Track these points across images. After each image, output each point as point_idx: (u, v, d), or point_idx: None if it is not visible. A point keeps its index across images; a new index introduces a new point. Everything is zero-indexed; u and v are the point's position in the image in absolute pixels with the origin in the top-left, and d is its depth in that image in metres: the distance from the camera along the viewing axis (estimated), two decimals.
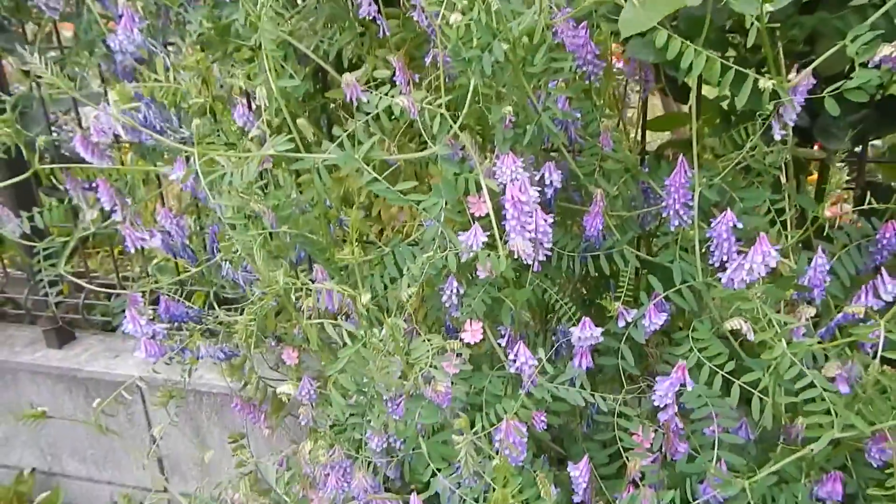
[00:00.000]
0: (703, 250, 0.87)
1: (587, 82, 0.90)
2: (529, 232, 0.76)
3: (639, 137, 1.15)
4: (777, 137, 0.83)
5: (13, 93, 1.49)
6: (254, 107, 0.96)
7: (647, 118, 1.13)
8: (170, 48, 1.14)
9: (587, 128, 0.93)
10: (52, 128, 1.52)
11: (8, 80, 1.53)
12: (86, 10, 1.10)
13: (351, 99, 0.86)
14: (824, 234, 0.91)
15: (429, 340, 0.75)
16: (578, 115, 0.90)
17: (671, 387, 0.76)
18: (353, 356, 0.73)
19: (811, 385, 0.73)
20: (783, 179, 0.91)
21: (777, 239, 0.91)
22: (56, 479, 1.78)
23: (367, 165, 0.80)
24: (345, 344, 0.74)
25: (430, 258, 0.77)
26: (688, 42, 0.74)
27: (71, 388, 1.63)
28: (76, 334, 1.75)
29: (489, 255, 0.79)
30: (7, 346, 1.75)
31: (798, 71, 0.86)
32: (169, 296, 0.99)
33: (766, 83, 0.73)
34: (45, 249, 1.05)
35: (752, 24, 0.71)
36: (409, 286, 0.77)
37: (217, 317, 0.97)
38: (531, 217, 0.76)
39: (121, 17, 1.04)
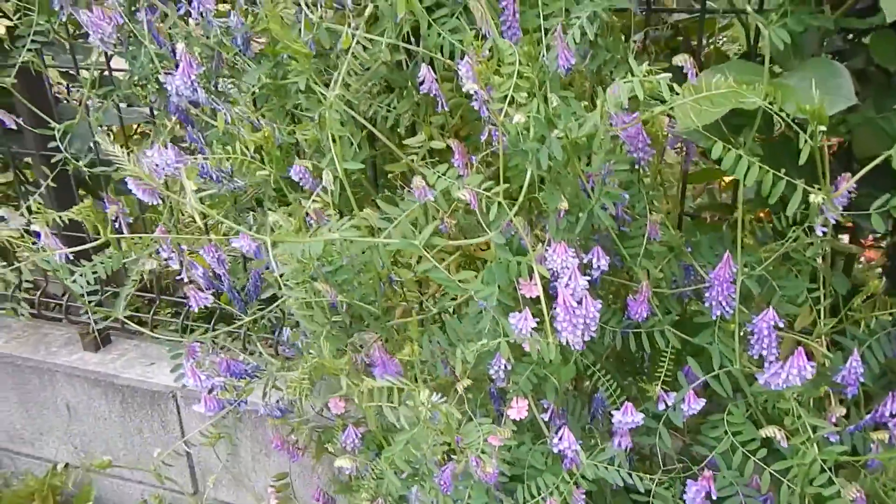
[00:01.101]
0: (742, 333, 0.91)
1: (636, 167, 0.93)
2: (580, 329, 0.80)
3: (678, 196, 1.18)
4: (819, 234, 0.86)
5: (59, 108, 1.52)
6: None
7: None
8: (220, 86, 1.17)
9: (634, 207, 0.96)
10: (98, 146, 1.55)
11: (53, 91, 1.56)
12: (143, 50, 1.13)
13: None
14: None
15: (480, 424, 0.79)
16: (627, 197, 0.93)
17: (698, 493, 0.81)
18: (409, 438, 0.78)
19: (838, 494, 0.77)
20: (820, 266, 0.94)
21: (812, 326, 0.95)
22: (88, 475, 1.84)
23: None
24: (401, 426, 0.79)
25: (484, 346, 0.81)
26: (741, 153, 0.77)
27: (107, 393, 1.69)
28: (112, 337, 1.80)
29: (538, 341, 0.83)
30: (44, 345, 1.81)
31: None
32: (228, 351, 1.03)
33: (816, 198, 0.76)
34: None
35: (805, 142, 0.74)
36: (462, 369, 0.81)
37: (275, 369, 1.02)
38: (582, 316, 0.80)
39: (178, 62, 1.07)
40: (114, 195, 1.60)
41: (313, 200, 0.91)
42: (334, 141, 0.85)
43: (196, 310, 0.98)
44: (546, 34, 0.91)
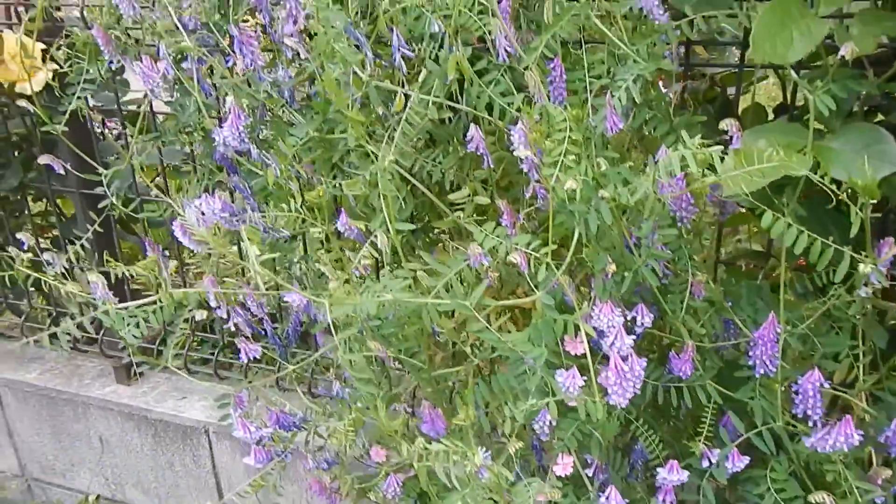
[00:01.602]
0: (784, 388, 0.92)
1: (679, 225, 0.94)
2: (628, 391, 0.81)
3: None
4: (862, 295, 0.87)
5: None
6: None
7: None
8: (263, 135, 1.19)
9: (676, 263, 0.97)
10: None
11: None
12: (191, 100, 1.15)
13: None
14: None
15: (528, 484, 0.80)
16: (670, 254, 0.95)
17: None
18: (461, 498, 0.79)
19: None
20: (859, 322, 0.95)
21: (852, 378, 0.95)
22: None
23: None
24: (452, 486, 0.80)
25: (534, 406, 0.83)
26: (789, 221, 0.78)
27: (140, 427, 1.71)
28: (143, 371, 1.82)
29: (586, 401, 0.84)
30: (77, 377, 1.83)
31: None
32: (276, 406, 1.04)
33: (864, 268, 0.77)
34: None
35: (857, 214, 0.76)
36: (511, 428, 0.83)
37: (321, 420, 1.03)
38: (631, 378, 0.81)
39: (227, 114, 1.10)
40: (144, 230, 1.64)
41: (363, 256, 0.93)
42: (387, 203, 0.87)
43: (246, 360, 0.99)
44: (591, 94, 0.93)
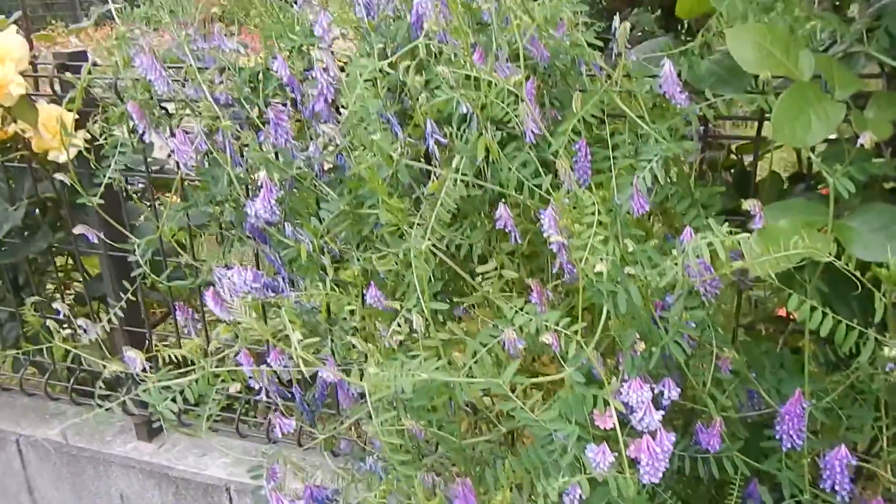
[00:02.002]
0: (810, 459, 0.94)
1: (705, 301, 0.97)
2: (660, 469, 0.83)
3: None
4: (888, 370, 0.89)
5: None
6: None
7: None
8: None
9: (701, 335, 0.99)
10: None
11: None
12: (225, 175, 1.19)
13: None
14: None
15: None
16: (693, 326, 0.97)
17: None
18: None
19: None
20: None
21: (879, 451, 0.97)
22: None
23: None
24: None
25: (566, 482, 0.84)
26: (814, 304, 0.81)
27: (161, 485, 1.72)
28: (163, 427, 1.83)
29: (616, 477, 0.86)
30: (98, 434, 1.85)
31: None
32: (302, 472, 1.06)
33: (890, 352, 0.79)
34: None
35: (880, 300, 0.78)
36: None
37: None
38: (661, 455, 0.83)
39: (260, 188, 1.13)
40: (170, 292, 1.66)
41: (395, 331, 0.95)
42: (421, 283, 0.90)
43: (280, 434, 1.01)
44: (615, 173, 0.97)
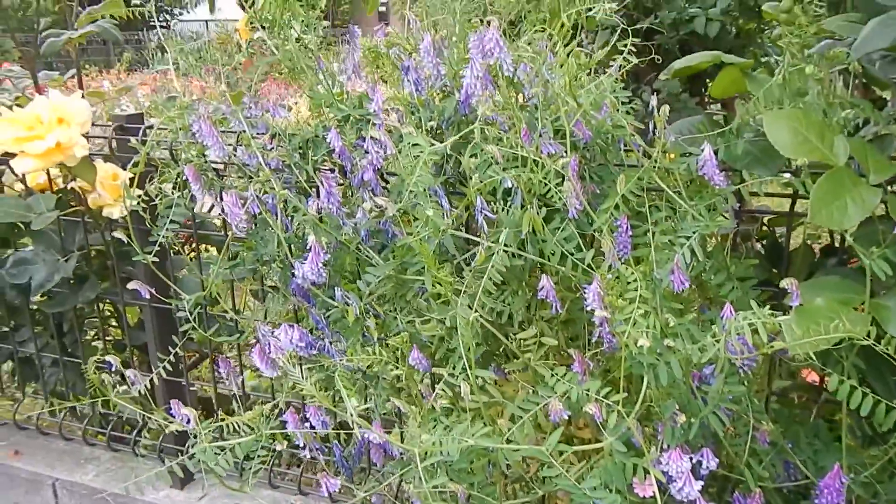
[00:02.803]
0: None
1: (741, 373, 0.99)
2: None
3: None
4: None
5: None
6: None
7: None
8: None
9: (738, 403, 1.02)
10: None
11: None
12: (275, 237, 1.24)
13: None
14: None
15: None
16: (730, 398, 1.00)
17: None
18: None
19: None
20: None
21: None
22: None
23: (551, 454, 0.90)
24: None
25: None
26: (853, 384, 0.84)
27: None
28: (195, 475, 1.86)
29: None
30: (132, 479, 1.87)
31: None
32: None
33: None
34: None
35: None
36: None
37: None
38: None
39: (309, 251, 1.18)
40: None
41: (438, 395, 0.99)
42: (468, 352, 0.93)
43: (327, 493, 1.04)
44: (654, 248, 1.00)
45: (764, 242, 1.26)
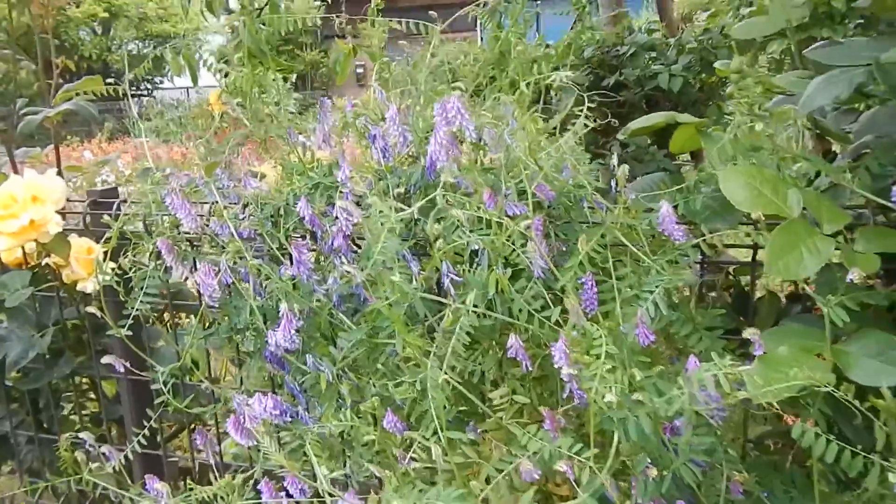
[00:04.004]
0: None
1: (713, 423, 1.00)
2: None
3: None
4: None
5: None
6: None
7: None
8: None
9: (711, 455, 1.02)
10: None
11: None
12: (247, 306, 1.25)
13: None
14: None
15: None
16: (703, 449, 1.00)
17: None
18: None
19: None
20: None
21: None
22: None
23: None
24: None
25: None
26: (819, 432, 0.85)
27: None
28: None
29: None
30: None
31: None
32: None
33: (893, 478, 0.82)
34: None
35: (880, 429, 0.82)
36: None
37: None
38: None
39: (281, 318, 1.19)
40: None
41: (412, 458, 0.98)
42: (438, 414, 0.94)
43: None
44: (619, 304, 1.02)
45: (731, 291, 1.28)
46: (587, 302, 1.02)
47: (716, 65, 1.17)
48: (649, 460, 0.94)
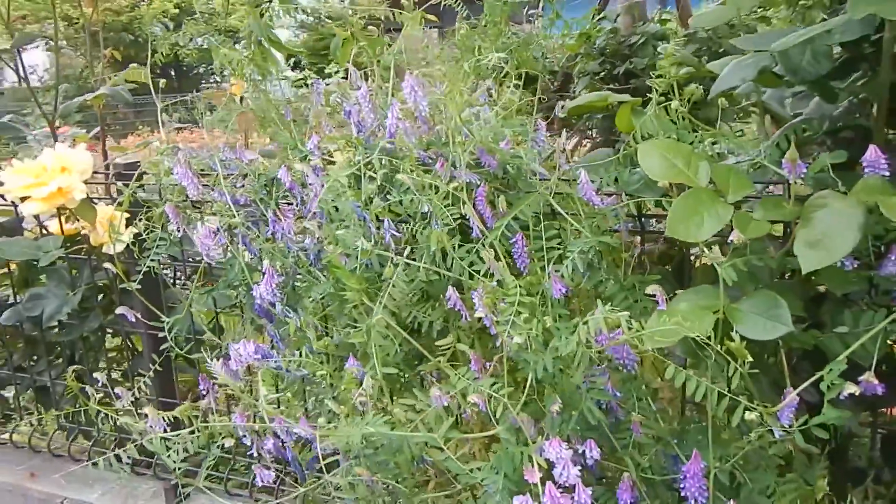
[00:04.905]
0: None
1: (625, 371, 1.11)
2: None
3: None
4: (777, 436, 1.01)
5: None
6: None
7: None
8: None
9: (626, 403, 1.13)
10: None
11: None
12: (237, 264, 1.41)
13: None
14: None
15: None
16: (618, 395, 1.12)
17: None
18: None
19: None
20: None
21: None
22: None
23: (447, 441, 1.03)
24: None
25: None
26: (689, 374, 0.95)
27: None
28: (192, 494, 2.01)
29: None
30: (132, 498, 2.04)
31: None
32: None
33: (751, 415, 0.92)
34: None
35: (735, 370, 0.92)
36: None
37: None
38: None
39: (264, 274, 1.35)
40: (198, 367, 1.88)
41: (360, 393, 1.13)
42: (376, 351, 1.08)
43: (261, 482, 1.19)
44: (548, 262, 1.14)
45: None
46: (519, 259, 1.15)
47: (659, 48, 1.27)
48: (560, 401, 1.05)
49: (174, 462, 1.14)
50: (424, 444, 1.08)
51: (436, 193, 1.16)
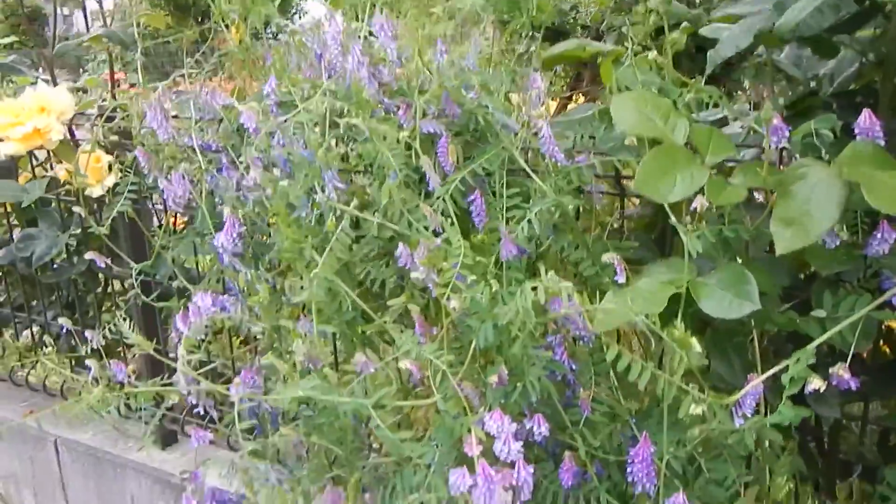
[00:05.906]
0: None
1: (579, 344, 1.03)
2: (497, 496, 0.89)
3: None
4: (738, 424, 0.92)
5: None
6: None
7: None
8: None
9: (580, 378, 1.05)
10: None
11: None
12: (199, 213, 1.36)
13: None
14: None
15: None
16: (573, 368, 1.04)
17: None
18: None
19: None
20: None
21: None
22: None
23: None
24: None
25: (416, 499, 0.92)
26: (635, 359, 0.86)
27: (164, 491, 1.89)
28: (178, 437, 2.01)
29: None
30: (122, 440, 2.05)
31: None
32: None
33: (695, 409, 0.84)
34: None
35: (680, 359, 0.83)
36: None
37: None
38: (510, 480, 0.89)
39: (224, 223, 1.29)
40: None
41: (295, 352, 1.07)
42: (315, 309, 1.02)
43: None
44: (505, 222, 1.06)
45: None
46: (476, 216, 1.06)
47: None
48: (506, 371, 0.98)
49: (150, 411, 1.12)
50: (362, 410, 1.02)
51: (387, 142, 1.08)
